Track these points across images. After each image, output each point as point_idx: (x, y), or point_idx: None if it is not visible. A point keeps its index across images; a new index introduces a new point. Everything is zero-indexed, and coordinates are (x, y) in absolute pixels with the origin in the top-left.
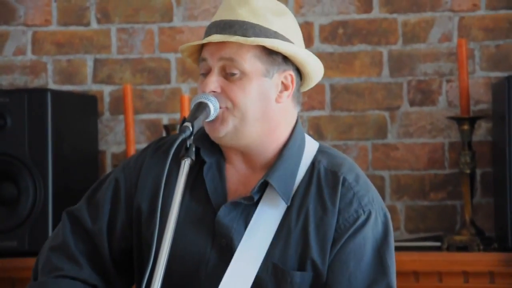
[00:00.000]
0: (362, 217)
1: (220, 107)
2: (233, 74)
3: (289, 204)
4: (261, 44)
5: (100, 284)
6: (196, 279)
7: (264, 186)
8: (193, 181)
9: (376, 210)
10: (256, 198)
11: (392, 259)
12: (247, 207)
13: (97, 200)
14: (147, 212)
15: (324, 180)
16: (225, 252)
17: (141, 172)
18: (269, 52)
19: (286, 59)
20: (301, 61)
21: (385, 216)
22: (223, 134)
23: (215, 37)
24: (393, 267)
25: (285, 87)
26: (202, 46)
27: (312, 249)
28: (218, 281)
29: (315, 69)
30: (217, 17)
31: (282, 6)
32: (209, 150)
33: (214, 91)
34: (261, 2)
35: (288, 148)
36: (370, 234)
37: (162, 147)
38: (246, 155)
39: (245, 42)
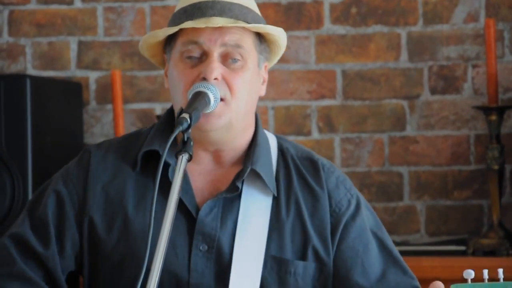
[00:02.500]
0: (354, 201)
1: (220, 99)
2: (235, 61)
3: (276, 194)
4: (266, 31)
5: None
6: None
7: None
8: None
9: (359, 195)
10: (240, 188)
11: (390, 240)
12: (226, 202)
13: (41, 219)
14: (103, 224)
15: (303, 167)
16: (211, 254)
17: (88, 183)
18: (261, 41)
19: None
20: (281, 52)
21: (364, 200)
22: (217, 127)
23: (219, 20)
24: (395, 248)
25: (263, 79)
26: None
27: (312, 237)
28: (214, 285)
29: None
30: None
31: None
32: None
33: (215, 79)
34: None
35: (259, 136)
36: (365, 219)
37: (110, 150)
38: (219, 151)
39: (252, 28)
